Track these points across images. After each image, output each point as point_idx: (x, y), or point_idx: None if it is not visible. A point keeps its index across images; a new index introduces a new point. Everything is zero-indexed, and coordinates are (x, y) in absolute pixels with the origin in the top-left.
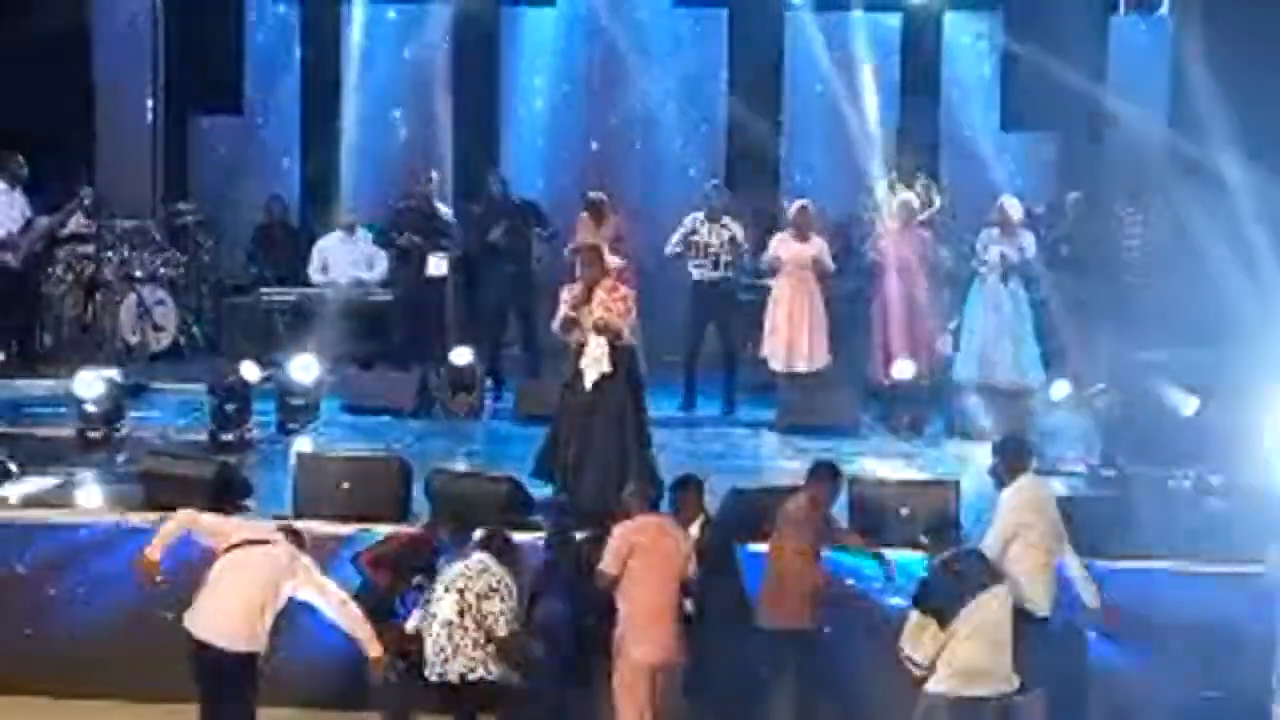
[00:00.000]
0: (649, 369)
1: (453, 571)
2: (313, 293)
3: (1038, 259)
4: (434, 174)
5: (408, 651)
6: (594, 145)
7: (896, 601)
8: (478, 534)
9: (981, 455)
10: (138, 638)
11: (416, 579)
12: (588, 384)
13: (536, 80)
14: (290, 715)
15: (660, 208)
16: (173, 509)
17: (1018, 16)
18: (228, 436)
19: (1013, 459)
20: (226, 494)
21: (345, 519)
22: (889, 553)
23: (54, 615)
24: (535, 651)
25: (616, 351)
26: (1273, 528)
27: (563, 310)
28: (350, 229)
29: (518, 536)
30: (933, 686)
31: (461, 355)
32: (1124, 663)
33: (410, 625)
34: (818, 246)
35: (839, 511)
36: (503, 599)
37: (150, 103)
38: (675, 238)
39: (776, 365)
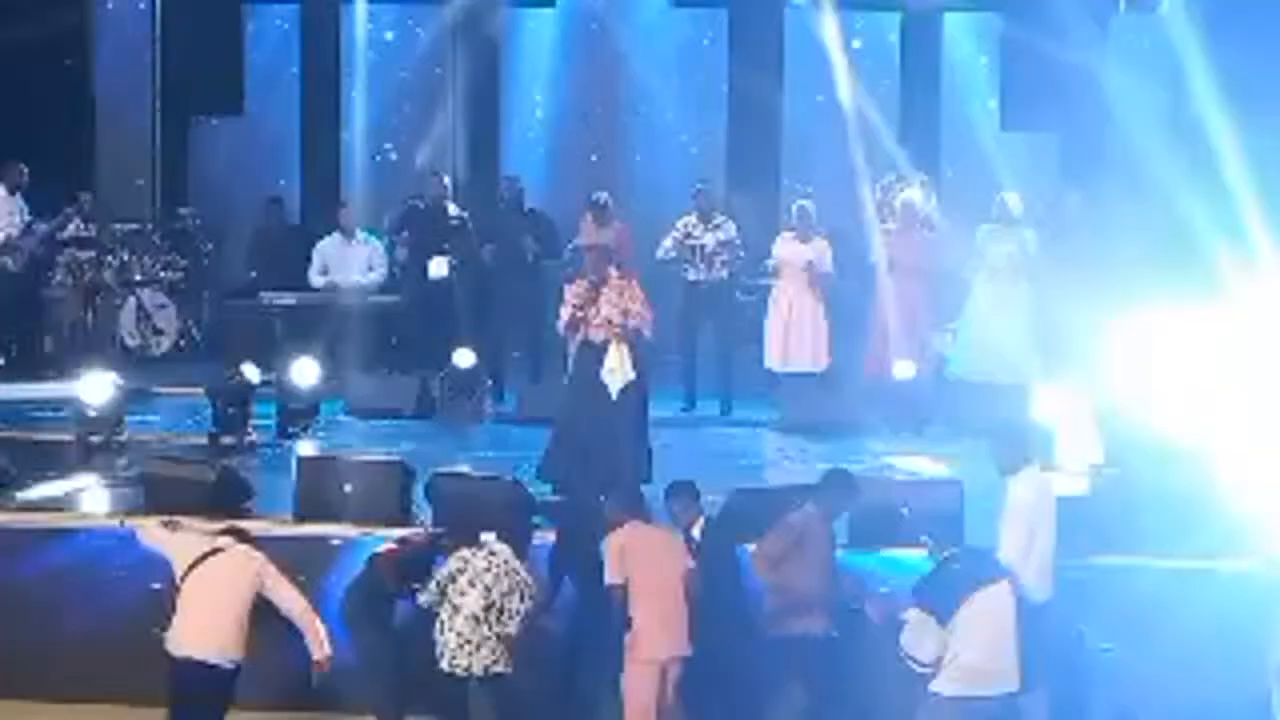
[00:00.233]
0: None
1: (478, 565)
2: (313, 296)
3: (1038, 256)
4: (445, 178)
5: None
6: (594, 145)
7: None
8: (491, 536)
9: (983, 453)
10: (139, 641)
11: (414, 585)
12: (613, 394)
13: (537, 81)
14: (289, 716)
15: (660, 208)
16: (174, 512)
17: (1017, 16)
18: (228, 440)
19: (1015, 448)
20: (227, 497)
21: (347, 522)
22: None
23: (55, 619)
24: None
25: (635, 352)
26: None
27: (567, 309)
28: (350, 232)
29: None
30: (936, 686)
31: (464, 358)
32: (1124, 663)
33: (423, 600)
34: (818, 248)
35: None
36: (522, 599)
37: (150, 107)
38: (668, 242)
39: (777, 366)
